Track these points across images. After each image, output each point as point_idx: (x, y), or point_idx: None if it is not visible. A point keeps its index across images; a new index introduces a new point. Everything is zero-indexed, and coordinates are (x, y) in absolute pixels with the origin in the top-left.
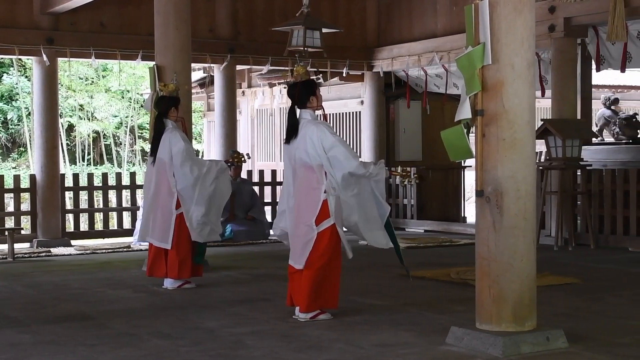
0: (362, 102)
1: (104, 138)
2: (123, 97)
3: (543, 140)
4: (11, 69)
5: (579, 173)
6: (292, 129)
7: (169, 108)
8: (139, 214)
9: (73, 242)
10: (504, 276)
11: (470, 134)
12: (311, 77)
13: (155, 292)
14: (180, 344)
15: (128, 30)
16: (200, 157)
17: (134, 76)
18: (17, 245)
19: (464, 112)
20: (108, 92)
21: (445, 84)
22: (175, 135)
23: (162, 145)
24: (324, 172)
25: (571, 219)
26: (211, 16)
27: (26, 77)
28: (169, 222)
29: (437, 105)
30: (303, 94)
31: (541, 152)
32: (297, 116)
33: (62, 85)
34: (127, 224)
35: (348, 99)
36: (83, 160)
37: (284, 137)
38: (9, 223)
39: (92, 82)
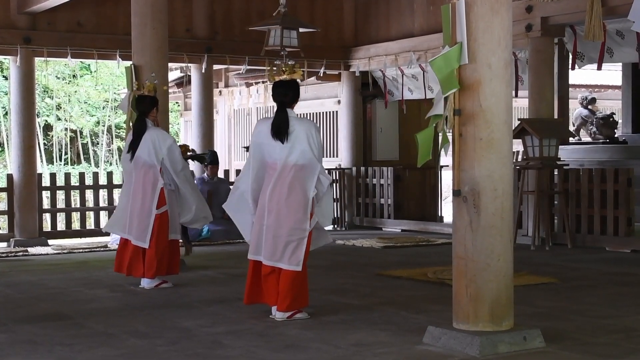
0: (339, 102)
1: (81, 137)
2: (100, 97)
3: (520, 140)
4: None
5: (556, 172)
6: (286, 128)
7: (151, 108)
8: None
9: (50, 241)
10: (481, 276)
11: (448, 133)
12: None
13: (132, 291)
14: (158, 343)
15: (105, 30)
16: None
17: (112, 75)
18: None
19: (437, 109)
20: (85, 92)
21: (422, 86)
22: (161, 133)
23: (143, 145)
24: (316, 170)
25: (548, 218)
26: (188, 16)
27: (3, 76)
28: (148, 222)
29: (414, 105)
30: (297, 95)
31: (518, 152)
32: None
33: (39, 85)
34: (104, 224)
35: (325, 99)
36: (60, 160)
37: (275, 135)
38: None
39: (70, 81)
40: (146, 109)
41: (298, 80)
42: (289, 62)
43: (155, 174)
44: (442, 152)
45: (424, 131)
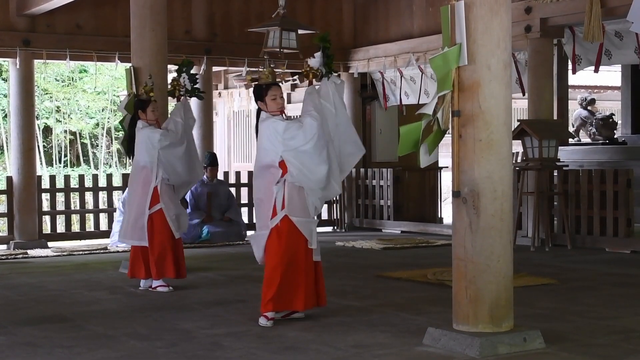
0: None
1: (80, 139)
2: (99, 98)
3: (519, 141)
4: None
5: (555, 173)
6: (256, 128)
7: (136, 110)
8: (116, 215)
9: (50, 243)
10: (480, 277)
11: (447, 135)
12: (271, 82)
13: (131, 293)
14: (157, 345)
15: (104, 31)
16: None
17: (111, 77)
18: None
19: (427, 108)
20: (85, 93)
21: (418, 89)
22: (150, 130)
23: (138, 146)
24: (281, 166)
25: (548, 219)
26: (187, 18)
27: (3, 79)
28: (143, 222)
29: (414, 106)
30: (255, 96)
31: (517, 153)
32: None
33: (38, 87)
34: (104, 226)
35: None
36: (60, 162)
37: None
38: None
39: (69, 83)
40: (132, 111)
41: (296, 81)
42: (271, 66)
43: (147, 175)
44: (422, 151)
45: (409, 125)
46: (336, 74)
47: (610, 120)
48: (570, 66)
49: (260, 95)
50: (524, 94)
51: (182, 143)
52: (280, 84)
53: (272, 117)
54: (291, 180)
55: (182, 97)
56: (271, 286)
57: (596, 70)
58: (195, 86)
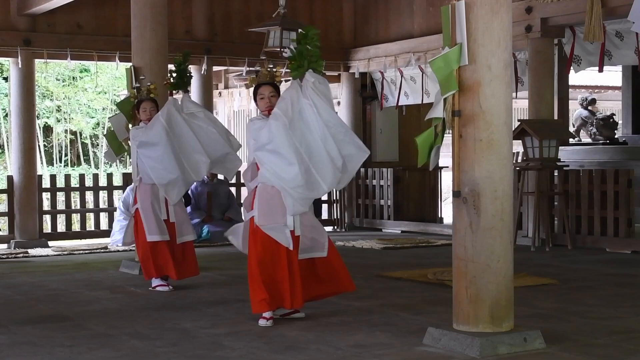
0: (338, 103)
1: (81, 139)
2: (100, 97)
3: (520, 141)
4: None
5: (556, 173)
6: None
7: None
8: (116, 215)
9: (50, 243)
10: (481, 277)
11: (447, 134)
12: (261, 82)
13: (132, 293)
14: (158, 344)
15: (105, 31)
16: None
17: (112, 77)
18: None
19: (436, 111)
20: (85, 93)
21: (420, 89)
22: (130, 132)
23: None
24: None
25: (548, 219)
26: (187, 17)
27: (4, 78)
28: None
29: (414, 106)
30: (253, 98)
31: (518, 153)
32: None
33: (39, 87)
34: (104, 225)
35: None
36: (60, 162)
37: None
38: None
39: (70, 83)
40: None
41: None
42: (270, 66)
43: (134, 174)
44: (433, 152)
45: (424, 133)
46: (312, 72)
47: (611, 120)
48: (566, 67)
49: (253, 95)
50: (515, 96)
51: (158, 141)
52: (270, 83)
53: (258, 116)
54: (262, 181)
55: (176, 93)
56: (257, 287)
57: (600, 70)
58: (176, 81)
